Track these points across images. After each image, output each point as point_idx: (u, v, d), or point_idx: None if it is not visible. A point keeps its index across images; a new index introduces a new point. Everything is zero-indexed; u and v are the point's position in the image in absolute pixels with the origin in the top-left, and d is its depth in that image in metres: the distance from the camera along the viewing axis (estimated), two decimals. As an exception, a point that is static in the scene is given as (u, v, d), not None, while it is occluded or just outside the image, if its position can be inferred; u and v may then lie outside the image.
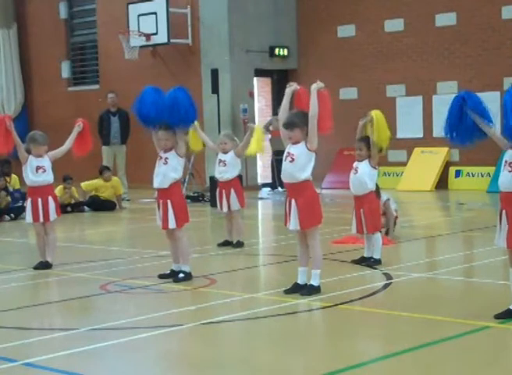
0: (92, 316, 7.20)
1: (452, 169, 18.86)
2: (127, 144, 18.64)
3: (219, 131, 16.97)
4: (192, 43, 20.63)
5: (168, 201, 8.30)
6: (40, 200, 9.35)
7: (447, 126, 6.60)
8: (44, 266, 9.44)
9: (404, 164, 19.23)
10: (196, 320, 6.74)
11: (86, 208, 16.10)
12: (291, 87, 7.68)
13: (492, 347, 5.87)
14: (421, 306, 7.07)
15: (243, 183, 12.81)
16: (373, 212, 8.94)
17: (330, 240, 10.75)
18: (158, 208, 8.40)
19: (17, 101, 24.26)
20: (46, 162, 9.38)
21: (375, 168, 8.93)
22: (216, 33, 19.92)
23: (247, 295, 7.72)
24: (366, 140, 8.90)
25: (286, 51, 20.84)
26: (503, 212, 6.34)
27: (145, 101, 8.28)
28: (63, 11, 23.94)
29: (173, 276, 8.48)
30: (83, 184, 16.31)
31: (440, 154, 18.91)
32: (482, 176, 18.26)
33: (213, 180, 14.78)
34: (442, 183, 18.77)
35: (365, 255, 9.14)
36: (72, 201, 15.93)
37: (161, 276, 8.55)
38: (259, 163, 20.93)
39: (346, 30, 20.39)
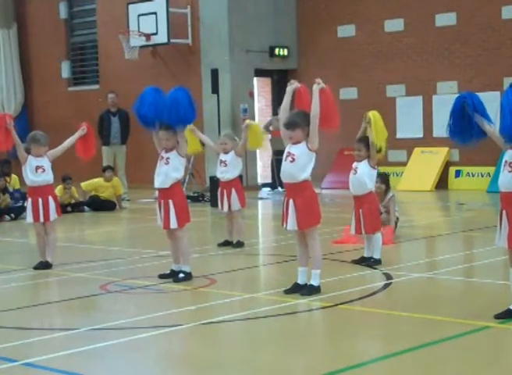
0: (92, 316, 7.19)
1: (452, 169, 18.86)
2: (127, 145, 18.65)
3: (219, 131, 16.98)
4: (192, 43, 20.63)
5: (170, 201, 8.30)
6: (40, 200, 9.35)
7: (449, 126, 6.63)
8: (44, 266, 9.44)
9: (404, 164, 19.23)
10: (196, 320, 6.74)
11: (86, 208, 16.10)
12: (292, 86, 7.66)
13: (492, 347, 5.87)
14: (421, 306, 7.07)
15: (243, 183, 12.79)
16: (372, 213, 8.94)
17: (330, 240, 10.75)
18: (159, 209, 8.40)
19: (17, 101, 24.26)
20: (45, 162, 9.38)
21: (374, 168, 8.95)
22: (216, 33, 19.92)
23: (247, 295, 7.72)
24: (365, 140, 8.90)
25: (286, 51, 20.84)
26: (504, 212, 6.34)
27: (145, 101, 8.29)
28: (63, 11, 23.95)
29: (173, 276, 8.48)
30: (82, 184, 16.32)
31: (440, 154, 18.92)
32: (482, 176, 18.27)
33: (213, 180, 14.80)
34: (442, 183, 18.77)
35: (365, 255, 9.14)
36: (73, 201, 15.93)
37: (161, 276, 8.55)
38: (259, 163, 20.93)
39: (346, 30, 20.39)
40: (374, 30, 19.94)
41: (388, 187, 10.95)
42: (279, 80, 21.24)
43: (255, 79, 20.74)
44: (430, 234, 11.67)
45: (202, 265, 9.33)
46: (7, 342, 6.17)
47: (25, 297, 8.21)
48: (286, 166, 7.47)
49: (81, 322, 6.84)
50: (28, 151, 9.44)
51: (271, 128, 19.35)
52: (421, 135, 19.32)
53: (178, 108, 8.19)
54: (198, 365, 5.62)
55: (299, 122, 7.39)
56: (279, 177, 18.77)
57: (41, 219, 9.40)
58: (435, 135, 18.86)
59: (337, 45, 20.48)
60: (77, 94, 23.63)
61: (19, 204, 14.97)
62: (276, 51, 20.64)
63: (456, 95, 6.74)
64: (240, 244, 10.65)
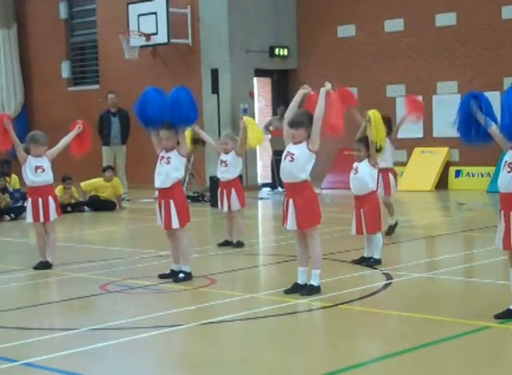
0: (92, 316, 7.19)
1: (452, 169, 18.86)
2: (127, 145, 18.65)
3: (219, 131, 16.99)
4: (192, 43, 20.62)
5: (171, 201, 8.29)
6: (40, 200, 9.35)
7: (456, 123, 6.66)
8: (44, 266, 9.44)
9: (404, 164, 19.22)
10: (196, 320, 6.74)
11: (86, 208, 16.10)
12: (304, 90, 7.67)
13: (492, 347, 5.87)
14: (421, 306, 7.07)
15: (243, 183, 12.79)
16: (373, 212, 8.93)
17: (330, 240, 10.75)
18: (160, 209, 8.39)
19: (17, 101, 24.26)
20: (45, 162, 9.38)
21: (374, 167, 8.95)
22: (216, 33, 19.92)
23: (247, 295, 7.72)
24: (364, 140, 8.90)
25: (286, 51, 20.83)
26: (502, 212, 6.35)
27: (147, 103, 8.26)
28: (63, 11, 23.94)
29: (173, 276, 8.48)
30: (82, 184, 16.31)
31: (440, 154, 18.92)
32: (482, 176, 18.26)
33: (213, 180, 14.79)
34: (442, 183, 18.77)
35: (365, 255, 9.14)
36: (73, 201, 15.93)
37: (161, 276, 8.55)
38: (259, 163, 20.93)
39: (346, 30, 20.38)
40: (374, 30, 19.94)
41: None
42: (278, 80, 21.24)
43: (255, 79, 20.73)
44: (430, 234, 11.67)
45: (202, 265, 9.33)
46: (7, 342, 6.17)
47: (25, 297, 8.21)
48: (285, 165, 7.47)
49: (81, 322, 6.84)
50: (28, 152, 9.44)
51: (271, 128, 19.35)
52: (421, 135, 19.30)
53: (180, 108, 8.19)
54: (198, 365, 5.62)
55: (304, 121, 7.40)
56: (279, 177, 18.75)
57: (41, 219, 9.40)
58: (435, 135, 18.86)
59: (337, 45, 20.48)
60: (77, 94, 23.63)
61: (19, 204, 14.97)
62: (276, 51, 20.63)
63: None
64: (239, 245, 10.65)
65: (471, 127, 6.59)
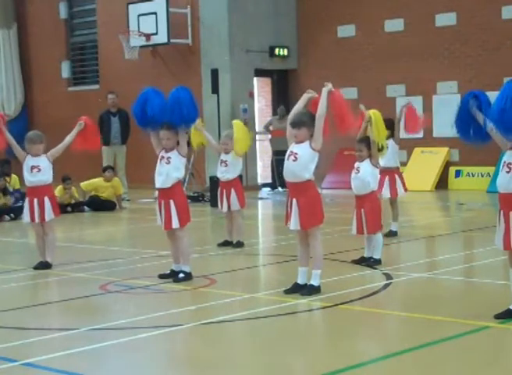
0: (92, 316, 7.19)
1: (452, 169, 18.86)
2: (127, 145, 18.65)
3: (219, 131, 16.97)
4: (192, 43, 20.62)
5: (171, 201, 8.29)
6: (36, 200, 9.32)
7: (455, 122, 6.66)
8: (44, 266, 9.43)
9: (404, 164, 19.19)
10: (196, 320, 6.74)
11: (86, 208, 16.10)
12: (309, 95, 7.67)
13: (492, 347, 5.87)
14: (420, 306, 7.07)
15: (243, 183, 12.79)
16: (374, 212, 8.93)
17: (331, 240, 10.75)
18: (160, 209, 8.38)
19: (17, 101, 24.25)
20: (42, 161, 9.30)
21: (376, 167, 8.95)
22: (216, 33, 19.91)
23: (247, 295, 7.72)
24: (366, 140, 8.90)
25: (286, 51, 20.83)
26: (501, 212, 6.35)
27: (147, 103, 8.25)
28: (63, 11, 23.94)
29: (173, 276, 8.48)
30: (82, 184, 16.31)
31: (440, 154, 18.92)
32: (482, 176, 18.26)
33: (213, 180, 14.79)
34: (442, 183, 18.77)
35: (365, 255, 9.14)
36: (72, 201, 15.93)
37: (161, 276, 8.55)
38: (259, 163, 20.93)
39: (346, 30, 20.38)
40: (374, 30, 19.93)
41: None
42: (278, 80, 21.24)
43: (255, 79, 20.73)
44: (430, 234, 11.67)
45: (202, 265, 9.33)
46: (7, 342, 6.17)
47: (25, 297, 8.21)
48: (288, 164, 7.48)
49: (81, 322, 6.84)
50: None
51: (271, 128, 19.36)
52: (421, 135, 19.28)
53: (180, 107, 8.18)
54: (198, 365, 5.62)
55: (305, 121, 7.42)
56: (279, 177, 18.84)
57: (37, 219, 9.37)
58: (435, 135, 18.85)
59: (337, 45, 20.47)
60: (77, 94, 23.62)
61: (19, 204, 14.97)
62: (276, 51, 20.63)
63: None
64: (239, 245, 10.65)
65: (469, 126, 6.60)
